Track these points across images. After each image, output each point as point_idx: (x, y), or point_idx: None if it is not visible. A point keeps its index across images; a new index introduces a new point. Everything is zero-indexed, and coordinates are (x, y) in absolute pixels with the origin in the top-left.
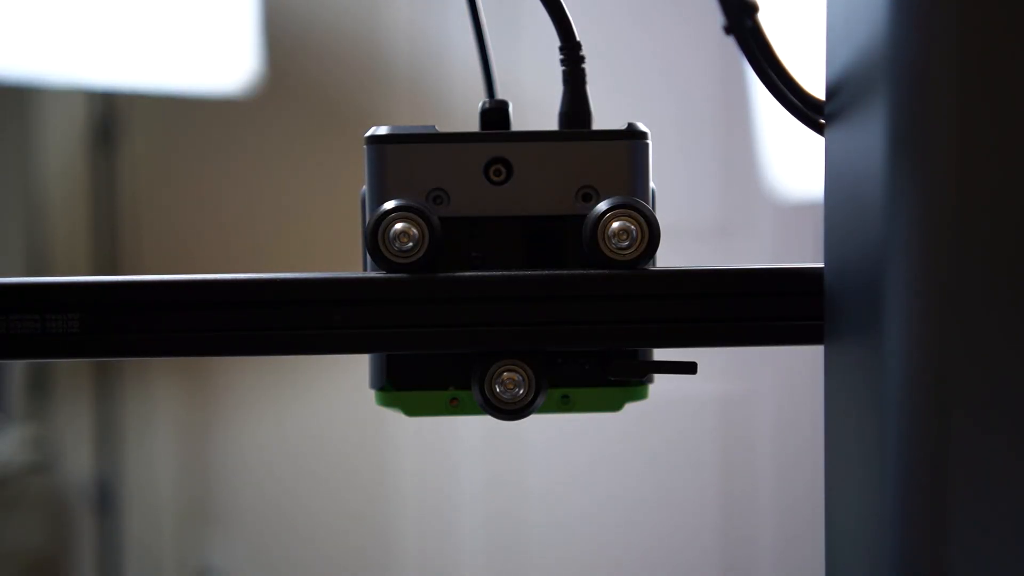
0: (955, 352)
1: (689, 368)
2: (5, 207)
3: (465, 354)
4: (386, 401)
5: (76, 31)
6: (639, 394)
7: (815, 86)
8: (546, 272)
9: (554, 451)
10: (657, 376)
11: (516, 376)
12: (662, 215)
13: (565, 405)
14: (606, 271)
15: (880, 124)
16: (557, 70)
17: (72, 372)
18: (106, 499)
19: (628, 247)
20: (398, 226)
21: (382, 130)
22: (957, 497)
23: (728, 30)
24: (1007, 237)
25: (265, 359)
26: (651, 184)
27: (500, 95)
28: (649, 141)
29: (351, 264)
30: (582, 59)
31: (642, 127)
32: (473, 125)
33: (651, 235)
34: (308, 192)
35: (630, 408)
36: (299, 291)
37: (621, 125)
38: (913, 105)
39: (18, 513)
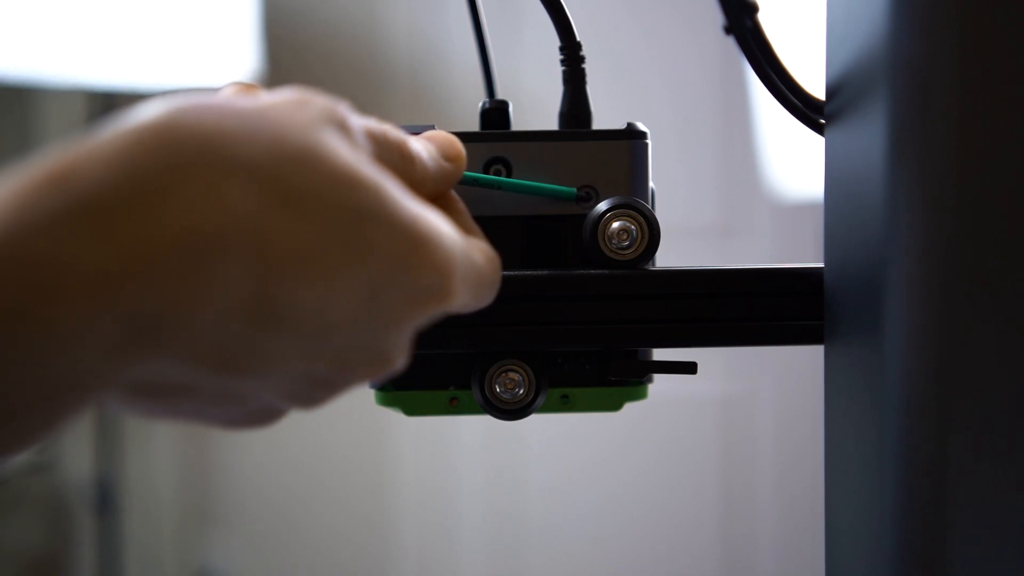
0: (955, 352)
1: (689, 368)
2: None
3: (465, 354)
4: (386, 401)
5: (76, 31)
6: (639, 394)
7: (815, 86)
8: (546, 272)
9: (554, 450)
10: (657, 376)
11: (516, 376)
12: (662, 215)
13: (565, 405)
14: (606, 271)
15: (880, 124)
16: (557, 70)
17: None
18: (106, 499)
19: (628, 247)
20: None
21: None
22: (956, 497)
23: (728, 30)
24: (1007, 237)
25: None
26: (651, 184)
27: (500, 95)
28: (649, 141)
29: None
30: (582, 59)
31: (642, 127)
32: (473, 125)
33: (651, 235)
34: None
35: (630, 408)
36: None
37: (621, 125)
38: (913, 105)
39: (18, 513)
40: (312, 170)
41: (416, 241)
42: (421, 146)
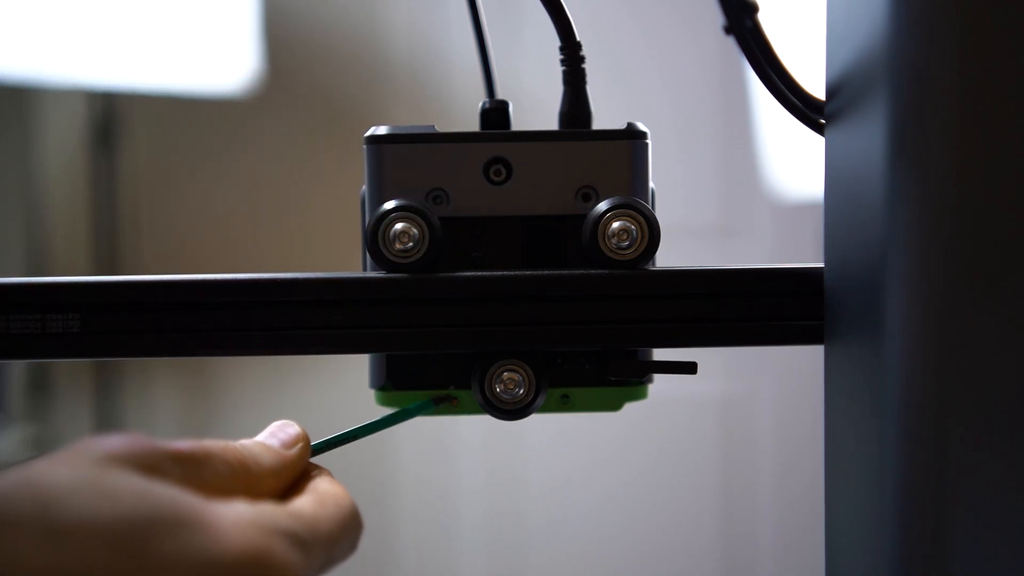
0: (954, 352)
1: (689, 368)
2: (5, 207)
3: (465, 354)
4: (386, 401)
5: (76, 31)
6: (639, 394)
7: (815, 86)
8: (546, 272)
9: (554, 450)
10: (657, 376)
11: (516, 376)
12: (662, 215)
13: (565, 405)
14: (606, 271)
15: (880, 124)
16: (557, 70)
17: (72, 372)
18: None
19: (628, 247)
20: (398, 226)
21: (382, 130)
22: (957, 497)
23: (728, 30)
24: (1007, 237)
25: (265, 359)
26: (651, 184)
27: (500, 95)
28: (649, 141)
29: (351, 264)
30: (582, 59)
31: (642, 127)
32: (473, 125)
33: (651, 235)
34: (308, 192)
35: (630, 408)
36: (299, 291)
37: (621, 125)
38: (913, 105)
39: None
40: (69, 510)
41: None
42: (257, 448)
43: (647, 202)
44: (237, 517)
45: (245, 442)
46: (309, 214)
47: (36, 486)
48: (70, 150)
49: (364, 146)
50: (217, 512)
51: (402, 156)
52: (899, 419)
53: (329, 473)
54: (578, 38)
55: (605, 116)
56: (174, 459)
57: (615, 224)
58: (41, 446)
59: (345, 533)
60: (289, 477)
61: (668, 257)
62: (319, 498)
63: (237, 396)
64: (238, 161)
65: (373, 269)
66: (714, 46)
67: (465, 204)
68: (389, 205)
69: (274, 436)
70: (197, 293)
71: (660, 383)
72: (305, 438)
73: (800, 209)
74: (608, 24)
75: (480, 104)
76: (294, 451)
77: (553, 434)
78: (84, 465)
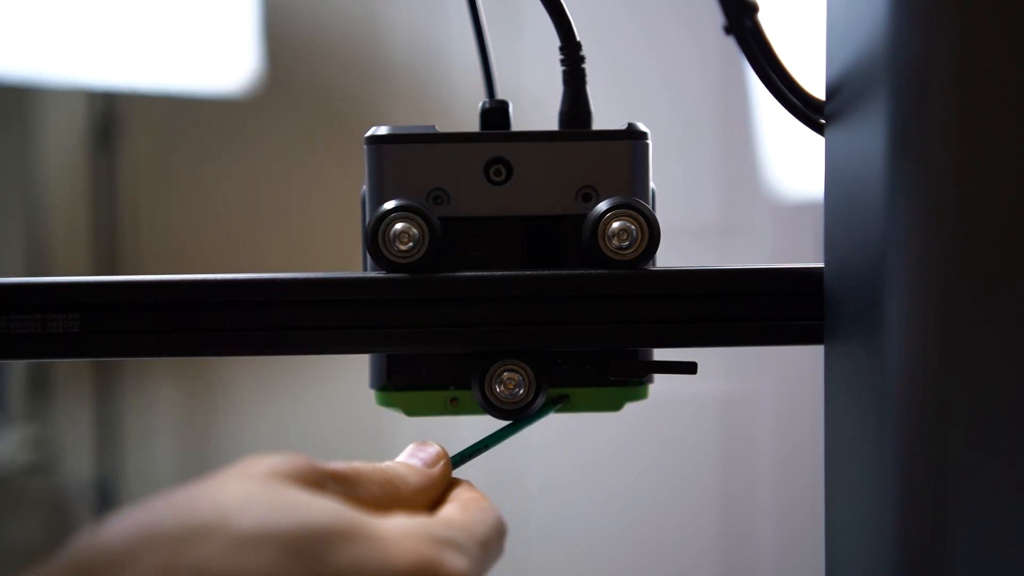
0: (954, 352)
1: (689, 368)
2: (5, 207)
3: (465, 354)
4: (386, 401)
5: (76, 31)
6: (639, 394)
7: (815, 86)
8: (546, 272)
9: (554, 450)
10: (657, 376)
11: (516, 376)
12: (662, 215)
13: (565, 405)
14: (606, 271)
15: (880, 124)
16: (557, 70)
17: (72, 372)
18: (106, 499)
19: (628, 247)
20: (398, 226)
21: (382, 130)
22: (957, 497)
23: (728, 30)
24: (1007, 237)
25: (265, 359)
26: (651, 184)
27: (500, 95)
28: (649, 141)
29: (351, 264)
30: (582, 59)
31: (642, 127)
32: (473, 125)
33: (651, 235)
34: (308, 192)
35: (630, 408)
36: (299, 291)
37: (621, 125)
38: (913, 105)
39: (18, 513)
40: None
41: (390, 554)
42: (402, 468)
43: (647, 202)
44: (403, 528)
45: (390, 463)
46: (309, 214)
47: (214, 497)
48: (70, 150)
49: (364, 146)
50: (384, 525)
51: (402, 156)
52: (899, 419)
53: (469, 483)
54: (578, 38)
55: (605, 116)
56: (332, 478)
57: (615, 224)
58: (41, 446)
59: (494, 534)
60: (435, 493)
61: (668, 257)
62: (463, 504)
63: (237, 396)
64: (238, 161)
65: (373, 269)
66: (714, 46)
67: (465, 204)
68: (389, 205)
69: (415, 456)
70: (197, 293)
71: (660, 383)
72: (445, 455)
73: (800, 209)
74: (608, 24)
75: (480, 104)
76: (437, 468)
77: (553, 434)
78: (252, 481)
